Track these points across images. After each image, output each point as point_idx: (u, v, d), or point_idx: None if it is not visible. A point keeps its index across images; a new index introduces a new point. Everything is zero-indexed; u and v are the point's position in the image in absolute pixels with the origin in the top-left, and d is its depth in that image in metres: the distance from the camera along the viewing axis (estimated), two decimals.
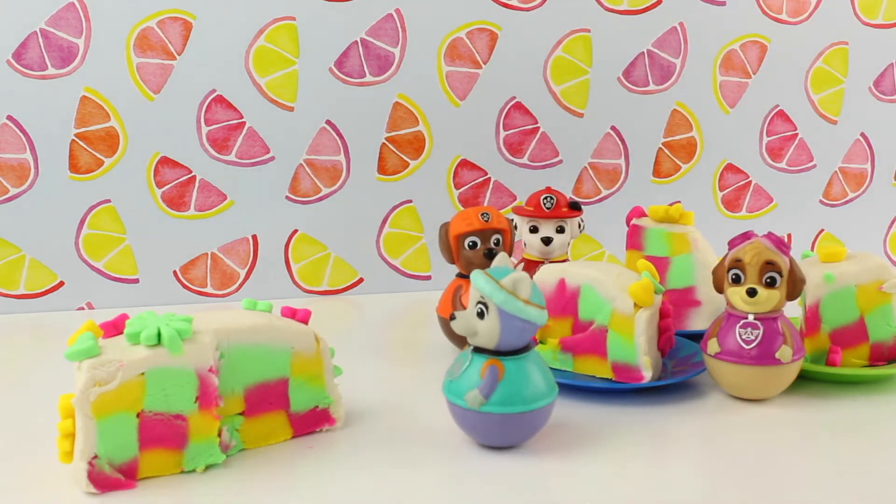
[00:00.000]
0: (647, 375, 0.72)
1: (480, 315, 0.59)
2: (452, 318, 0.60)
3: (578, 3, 1.14)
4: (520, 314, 0.58)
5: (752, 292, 0.70)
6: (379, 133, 1.12)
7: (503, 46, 1.13)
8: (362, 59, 1.09)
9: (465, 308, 0.65)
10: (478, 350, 0.61)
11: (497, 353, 0.60)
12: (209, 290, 1.09)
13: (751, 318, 0.71)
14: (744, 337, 0.71)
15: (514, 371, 0.60)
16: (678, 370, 0.76)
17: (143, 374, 0.56)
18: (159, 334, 0.57)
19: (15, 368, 0.84)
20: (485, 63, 1.13)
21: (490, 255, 0.80)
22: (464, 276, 0.83)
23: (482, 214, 0.81)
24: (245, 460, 0.61)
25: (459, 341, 0.83)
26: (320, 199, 1.11)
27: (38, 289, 1.05)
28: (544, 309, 0.60)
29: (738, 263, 0.71)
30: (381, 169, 1.12)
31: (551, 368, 0.71)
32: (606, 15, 1.16)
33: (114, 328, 0.58)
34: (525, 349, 0.61)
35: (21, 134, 1.01)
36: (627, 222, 0.92)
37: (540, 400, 0.61)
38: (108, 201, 1.05)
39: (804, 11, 1.22)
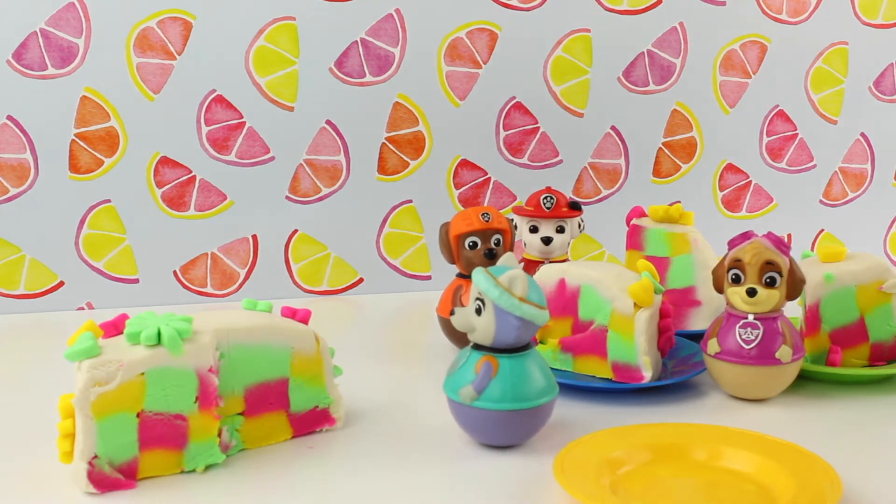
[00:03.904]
0: (647, 375, 0.72)
1: (478, 311, 0.60)
2: (452, 313, 0.61)
3: (578, 3, 1.15)
4: (514, 311, 0.59)
5: (752, 292, 0.70)
6: (379, 133, 1.12)
7: (503, 46, 1.13)
8: (362, 59, 1.09)
9: (465, 307, 0.65)
10: (476, 347, 0.62)
11: (494, 349, 0.61)
12: (209, 290, 1.09)
13: (751, 318, 0.71)
14: (744, 337, 0.71)
15: (510, 368, 0.60)
16: (678, 370, 0.76)
17: (143, 374, 0.56)
18: (159, 334, 0.57)
19: (15, 368, 0.84)
20: (485, 63, 1.13)
21: (490, 255, 0.80)
22: (464, 276, 0.83)
23: (482, 214, 0.81)
24: (245, 460, 0.61)
25: (459, 341, 0.83)
26: (320, 199, 1.11)
27: (38, 289, 1.05)
28: (544, 308, 0.60)
29: (738, 263, 0.71)
30: (381, 169, 1.12)
31: (551, 369, 0.70)
32: (606, 15, 1.16)
33: (114, 328, 0.58)
34: (524, 348, 0.61)
35: (21, 134, 1.01)
36: (627, 222, 0.92)
37: (538, 398, 0.61)
38: (108, 201, 1.05)
39: (804, 11, 1.22)
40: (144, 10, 1.03)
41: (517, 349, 0.61)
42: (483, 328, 0.60)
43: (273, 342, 0.63)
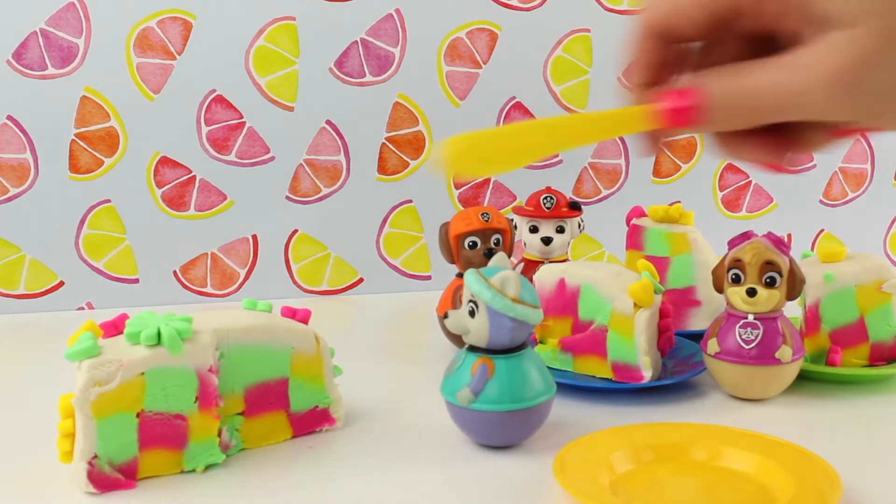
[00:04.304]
0: (647, 375, 0.72)
1: (471, 313, 0.60)
2: (446, 316, 0.61)
3: (578, 3, 1.15)
4: (508, 312, 0.59)
5: (751, 292, 0.70)
6: (379, 133, 1.12)
7: (503, 46, 1.13)
8: (362, 59, 1.09)
9: (458, 309, 0.65)
10: (472, 349, 0.62)
11: (489, 351, 0.61)
12: (209, 290, 1.09)
13: (751, 318, 0.71)
14: (744, 337, 0.71)
15: (506, 369, 0.60)
16: (678, 370, 0.76)
17: (142, 373, 0.56)
18: (159, 334, 0.57)
19: (15, 368, 0.84)
20: (485, 63, 1.13)
21: (490, 255, 0.80)
22: (464, 276, 0.83)
23: (482, 214, 0.81)
24: (245, 460, 0.61)
25: (459, 341, 0.83)
26: (320, 199, 1.11)
27: (38, 289, 1.05)
28: (537, 308, 0.60)
29: (738, 263, 0.71)
30: (381, 169, 1.12)
31: (551, 368, 0.71)
32: (606, 15, 1.16)
33: (114, 328, 0.58)
34: (519, 348, 0.61)
35: (21, 134, 1.01)
36: (627, 222, 0.92)
37: (535, 398, 0.61)
38: (108, 201, 1.05)
39: None
40: (144, 10, 1.03)
41: (512, 349, 0.61)
42: (477, 330, 0.60)
43: (273, 342, 0.63)
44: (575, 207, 0.90)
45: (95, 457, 0.55)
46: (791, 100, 0.36)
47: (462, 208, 1.15)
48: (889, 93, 0.35)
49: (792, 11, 0.36)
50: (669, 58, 0.40)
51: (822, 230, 1.29)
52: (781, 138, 0.39)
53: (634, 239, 0.91)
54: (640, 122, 0.40)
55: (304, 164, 1.10)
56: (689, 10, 0.38)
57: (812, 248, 1.27)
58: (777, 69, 0.36)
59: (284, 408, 0.64)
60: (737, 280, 0.71)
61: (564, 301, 0.76)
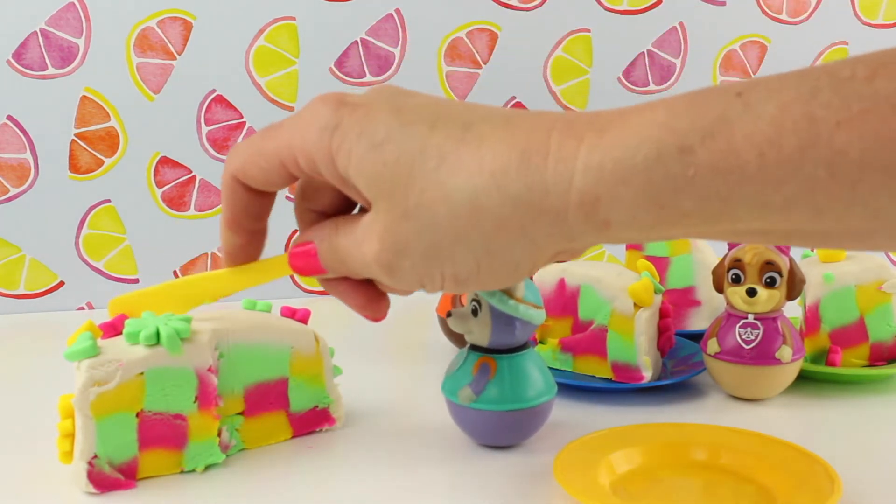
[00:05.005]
0: (647, 375, 0.72)
1: (474, 313, 0.60)
2: (449, 315, 0.61)
3: (578, 3, 1.15)
4: (511, 312, 0.59)
5: (751, 292, 0.70)
6: None
7: (503, 46, 1.13)
8: (362, 59, 1.09)
9: (461, 308, 0.65)
10: (473, 348, 0.61)
11: (491, 350, 0.61)
12: None
13: (750, 317, 0.71)
14: (743, 337, 0.71)
15: (507, 369, 0.60)
16: (678, 370, 0.76)
17: (142, 373, 0.56)
18: (158, 334, 0.57)
19: (15, 368, 0.84)
20: (485, 63, 1.13)
21: None
22: None
23: None
24: (245, 460, 0.61)
25: (459, 341, 0.83)
26: None
27: (38, 289, 1.05)
28: (540, 308, 0.60)
29: (737, 263, 0.71)
30: None
31: (551, 368, 0.71)
32: (606, 15, 1.16)
33: (113, 328, 0.58)
34: (521, 348, 0.61)
35: (21, 134, 1.01)
36: None
37: (536, 398, 0.61)
38: (108, 201, 1.05)
39: (804, 11, 1.22)
40: (144, 10, 1.03)
41: (514, 349, 0.61)
42: (479, 330, 0.60)
43: (272, 342, 0.63)
44: None
45: (95, 457, 0.55)
46: (363, 267, 0.39)
47: None
48: (414, 274, 0.37)
49: (348, 184, 0.38)
50: (258, 202, 0.43)
51: None
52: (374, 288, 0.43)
53: None
54: (279, 269, 0.44)
55: None
56: (267, 174, 0.41)
57: (812, 248, 1.27)
58: (353, 237, 0.39)
59: (284, 408, 0.64)
60: (737, 280, 0.71)
61: (564, 301, 0.76)
